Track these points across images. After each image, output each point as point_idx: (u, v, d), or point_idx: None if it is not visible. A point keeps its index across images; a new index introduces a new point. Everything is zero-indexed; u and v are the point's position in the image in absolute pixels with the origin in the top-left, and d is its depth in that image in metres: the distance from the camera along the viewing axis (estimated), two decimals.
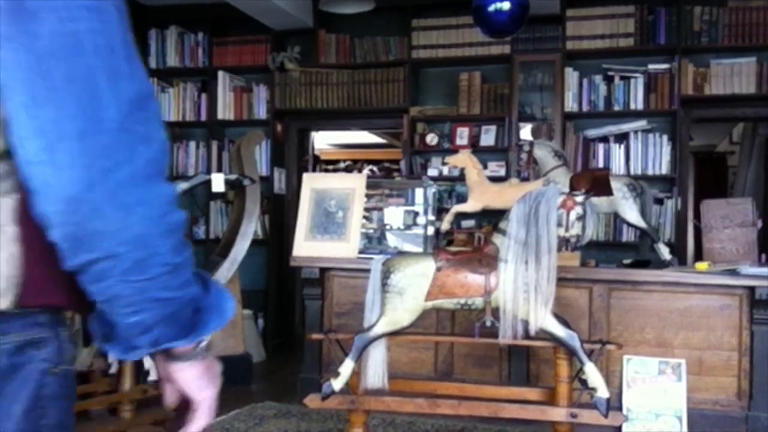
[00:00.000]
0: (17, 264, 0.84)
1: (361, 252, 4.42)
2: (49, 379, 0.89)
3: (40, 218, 0.81)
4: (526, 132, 5.71)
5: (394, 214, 5.15)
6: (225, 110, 6.45)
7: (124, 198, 0.82)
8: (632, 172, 5.61)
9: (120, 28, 0.92)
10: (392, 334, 3.29)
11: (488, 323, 3.27)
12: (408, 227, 5.11)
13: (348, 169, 10.50)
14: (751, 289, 3.87)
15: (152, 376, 3.90)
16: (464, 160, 4.55)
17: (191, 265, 0.93)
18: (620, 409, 3.92)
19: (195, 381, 1.02)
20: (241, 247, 5.15)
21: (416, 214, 5.13)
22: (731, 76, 5.46)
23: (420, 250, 4.90)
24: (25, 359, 0.87)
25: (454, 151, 5.30)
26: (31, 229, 0.83)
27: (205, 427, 1.06)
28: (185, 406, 1.06)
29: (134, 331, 0.90)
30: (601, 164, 5.73)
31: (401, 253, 3.98)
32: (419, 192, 5.35)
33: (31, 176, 0.80)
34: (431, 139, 6.06)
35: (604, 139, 5.79)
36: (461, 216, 5.22)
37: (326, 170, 10.26)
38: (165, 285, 0.88)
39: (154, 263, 0.86)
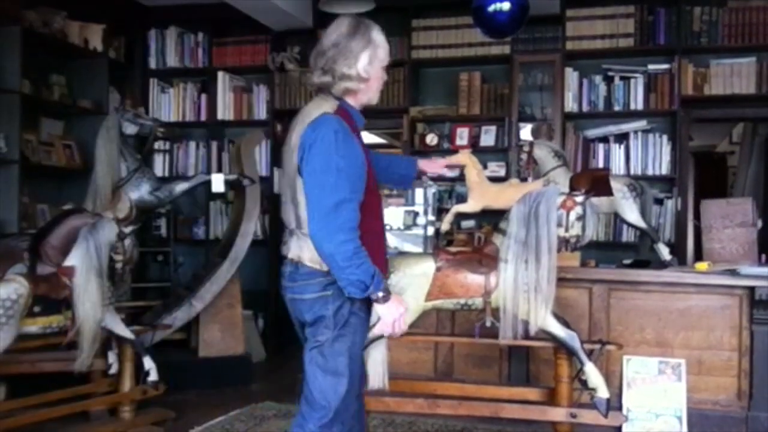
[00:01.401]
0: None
1: None
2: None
3: None
4: (526, 132, 5.70)
5: (394, 215, 5.15)
6: (225, 110, 6.45)
7: (326, 238, 2.22)
8: (632, 172, 5.61)
9: (338, 178, 2.23)
10: None
11: (488, 323, 3.27)
12: (408, 227, 5.11)
13: None
14: (751, 289, 3.87)
15: (152, 377, 3.90)
16: (464, 160, 4.54)
17: (357, 266, 2.23)
18: (620, 409, 3.91)
19: (381, 311, 2.35)
20: (241, 247, 5.15)
21: (416, 214, 5.12)
22: (731, 76, 5.46)
23: (420, 250, 4.90)
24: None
25: (454, 151, 5.31)
26: None
27: (379, 335, 2.62)
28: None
29: (342, 285, 2.28)
30: (601, 164, 5.73)
31: (401, 254, 3.97)
32: (419, 192, 5.34)
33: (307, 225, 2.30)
34: (431, 139, 6.05)
35: (604, 139, 5.79)
36: (461, 216, 5.22)
37: None
38: (342, 271, 2.24)
39: (338, 263, 2.23)
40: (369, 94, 2.45)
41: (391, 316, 2.34)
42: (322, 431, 2.35)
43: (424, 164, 2.95)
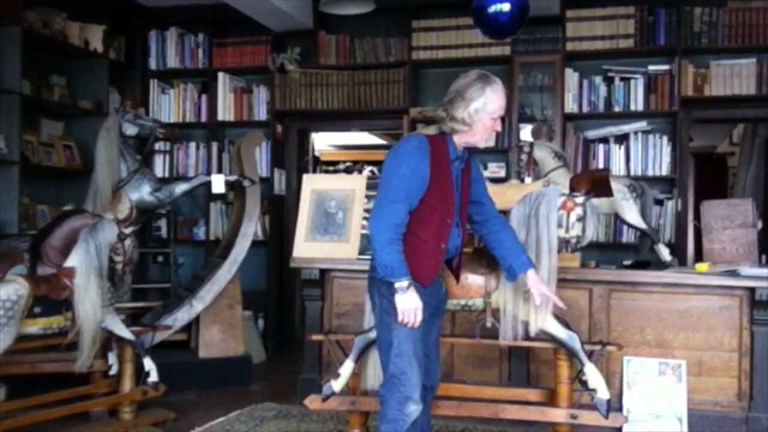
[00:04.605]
0: None
1: (361, 253, 4.42)
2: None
3: None
4: (526, 133, 5.70)
5: None
6: (225, 111, 6.45)
7: (374, 223, 2.67)
8: (632, 173, 5.61)
9: (399, 182, 2.67)
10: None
11: (489, 324, 3.27)
12: None
13: (348, 170, 10.49)
14: (751, 290, 3.87)
15: (152, 378, 3.90)
16: None
17: (387, 253, 2.64)
18: (620, 410, 3.92)
19: (398, 299, 2.67)
20: (241, 248, 5.15)
21: None
22: (731, 76, 5.45)
23: None
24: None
25: None
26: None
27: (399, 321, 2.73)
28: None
29: (376, 265, 2.71)
30: (601, 165, 5.72)
31: None
32: None
33: None
34: None
35: (605, 140, 5.78)
36: None
37: (326, 171, 10.26)
38: (376, 254, 2.67)
39: (374, 244, 2.66)
40: (474, 138, 2.79)
41: (403, 306, 2.66)
42: None
43: (531, 277, 2.95)
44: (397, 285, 2.64)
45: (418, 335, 2.74)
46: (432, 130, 2.83)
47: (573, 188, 3.41)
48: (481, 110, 2.72)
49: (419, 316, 2.68)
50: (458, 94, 2.76)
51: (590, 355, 3.25)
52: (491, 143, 5.81)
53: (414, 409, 2.72)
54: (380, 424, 2.78)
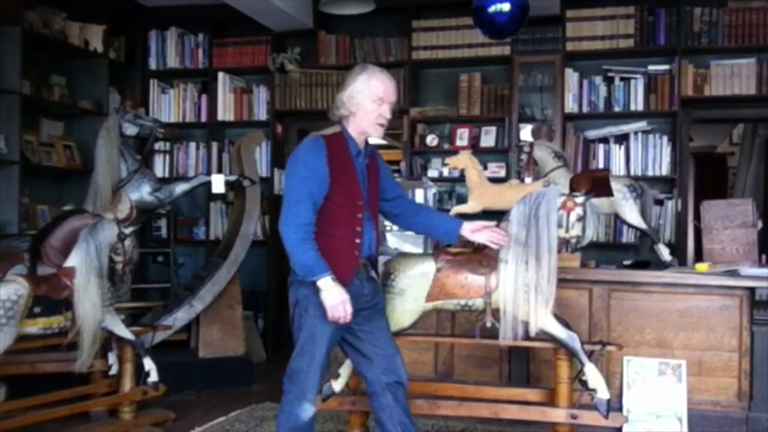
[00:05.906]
0: None
1: None
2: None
3: None
4: (526, 133, 5.70)
5: None
6: (225, 111, 6.45)
7: (283, 226, 2.72)
8: (632, 173, 5.61)
9: (299, 183, 2.73)
10: (393, 335, 3.28)
11: (489, 324, 3.27)
12: None
13: None
14: (751, 290, 3.87)
15: (152, 378, 3.90)
16: (464, 161, 4.55)
17: (302, 253, 2.71)
18: (620, 410, 3.91)
19: (322, 297, 2.72)
20: (241, 248, 5.15)
21: None
22: (731, 76, 5.46)
23: (420, 251, 4.90)
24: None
25: (454, 152, 5.30)
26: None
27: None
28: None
29: (295, 268, 2.78)
30: (601, 165, 5.73)
31: (402, 254, 3.97)
32: (419, 193, 5.35)
33: None
34: (431, 140, 6.05)
35: (605, 140, 5.79)
36: (461, 217, 5.21)
37: None
38: (292, 256, 2.74)
39: (288, 247, 2.73)
40: (361, 123, 2.84)
41: (330, 301, 2.71)
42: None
43: (468, 227, 3.12)
44: (319, 283, 2.69)
45: (328, 340, 2.84)
46: (330, 130, 2.89)
47: (573, 188, 3.40)
48: (359, 92, 2.80)
49: (349, 309, 2.72)
50: (342, 85, 2.87)
51: (590, 355, 3.25)
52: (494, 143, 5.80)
53: (309, 409, 2.81)
54: (278, 413, 2.88)
